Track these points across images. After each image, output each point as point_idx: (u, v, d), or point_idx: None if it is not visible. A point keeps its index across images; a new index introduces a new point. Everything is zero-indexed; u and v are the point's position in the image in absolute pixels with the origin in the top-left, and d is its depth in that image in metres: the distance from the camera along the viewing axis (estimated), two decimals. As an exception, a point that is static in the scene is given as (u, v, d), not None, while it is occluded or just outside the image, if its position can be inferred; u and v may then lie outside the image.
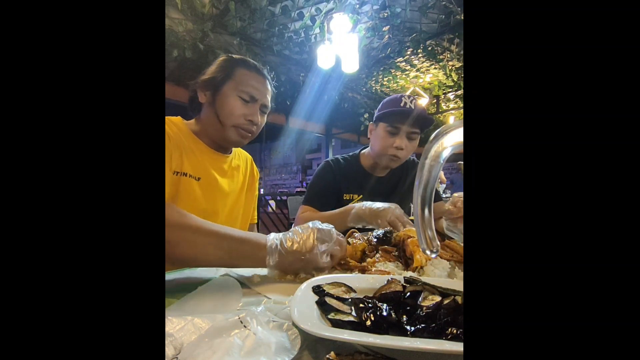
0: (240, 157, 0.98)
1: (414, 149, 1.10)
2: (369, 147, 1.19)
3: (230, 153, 0.92)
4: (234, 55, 0.87)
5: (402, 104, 1.06)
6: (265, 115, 0.88)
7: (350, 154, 1.24)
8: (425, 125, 1.09)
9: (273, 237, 0.56)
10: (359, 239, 0.67)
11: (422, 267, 0.55)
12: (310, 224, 0.58)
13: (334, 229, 0.58)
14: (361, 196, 1.13)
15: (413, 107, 1.06)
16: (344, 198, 1.14)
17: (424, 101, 4.52)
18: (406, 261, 0.58)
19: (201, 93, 0.84)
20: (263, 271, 0.60)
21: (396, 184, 1.20)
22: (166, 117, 0.83)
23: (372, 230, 0.74)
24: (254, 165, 1.04)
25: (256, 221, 1.05)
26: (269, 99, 0.86)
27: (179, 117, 0.88)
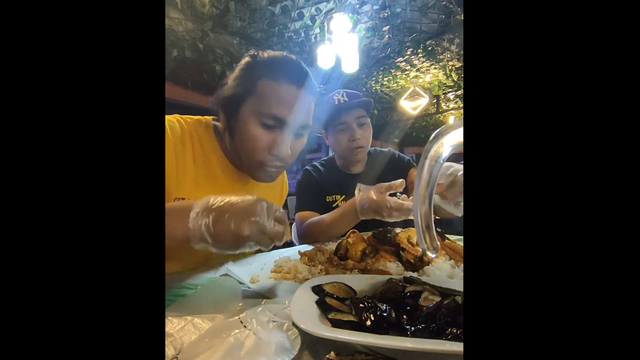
0: None
1: (369, 134, 1.15)
2: None
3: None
4: (261, 53, 0.62)
5: (336, 102, 1.12)
6: (305, 137, 0.64)
7: (325, 158, 1.29)
8: (367, 106, 1.13)
9: (204, 199, 0.42)
10: (359, 239, 0.67)
11: (421, 258, 0.56)
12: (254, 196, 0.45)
13: (275, 205, 0.45)
14: (344, 196, 1.16)
15: (347, 99, 1.12)
16: (327, 200, 1.16)
17: (423, 101, 4.52)
18: (407, 261, 0.58)
19: (221, 114, 0.64)
20: (263, 271, 0.60)
21: (374, 177, 1.20)
22: (196, 117, 0.68)
23: (372, 230, 0.74)
24: (285, 180, 0.87)
25: None
26: (309, 115, 0.61)
27: (209, 118, 0.68)
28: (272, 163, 0.61)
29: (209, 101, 0.67)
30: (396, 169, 1.22)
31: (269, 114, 0.58)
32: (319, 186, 1.17)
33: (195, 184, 0.60)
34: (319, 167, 1.24)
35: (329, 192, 1.17)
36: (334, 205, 1.15)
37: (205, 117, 0.69)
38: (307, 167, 1.25)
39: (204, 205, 0.41)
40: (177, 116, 0.66)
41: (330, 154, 1.31)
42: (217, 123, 0.68)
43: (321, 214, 1.05)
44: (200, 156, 0.62)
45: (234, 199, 0.43)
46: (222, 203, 0.42)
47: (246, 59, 0.63)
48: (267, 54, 0.62)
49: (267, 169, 0.62)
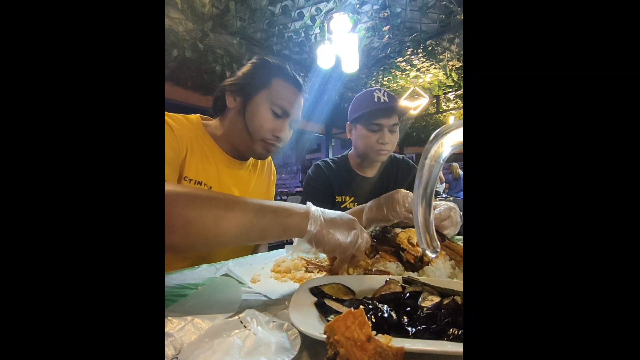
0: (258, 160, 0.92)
1: (396, 140, 1.11)
2: (352, 147, 1.18)
3: (248, 159, 0.87)
4: (271, 60, 0.79)
5: (376, 100, 1.03)
6: (292, 130, 0.83)
7: (339, 156, 1.22)
8: (403, 113, 1.09)
9: (315, 208, 0.50)
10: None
11: (421, 259, 0.56)
12: (351, 216, 0.52)
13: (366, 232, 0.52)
14: (353, 198, 1.12)
15: (387, 100, 1.04)
16: (336, 200, 1.12)
17: (423, 101, 4.52)
18: (407, 261, 0.58)
19: (230, 97, 0.77)
20: (263, 271, 0.60)
21: (387, 184, 1.18)
22: (184, 115, 0.79)
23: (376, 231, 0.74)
24: (272, 167, 0.99)
25: None
26: (300, 113, 0.81)
27: (197, 115, 0.82)
28: (272, 142, 0.77)
29: (219, 86, 0.80)
30: (409, 177, 1.18)
31: (279, 105, 0.75)
32: (329, 184, 1.12)
33: (197, 167, 0.74)
34: (331, 163, 1.17)
35: (340, 191, 1.12)
36: (342, 207, 1.10)
37: (191, 115, 0.81)
38: (318, 162, 1.18)
39: (318, 215, 0.49)
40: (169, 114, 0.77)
41: (331, 154, 1.29)
42: (206, 122, 0.82)
43: None
44: (197, 146, 0.75)
45: (337, 213, 0.51)
46: (331, 216, 0.50)
47: (255, 59, 0.80)
48: (274, 60, 0.79)
49: (267, 146, 0.77)
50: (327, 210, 0.50)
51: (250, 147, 0.77)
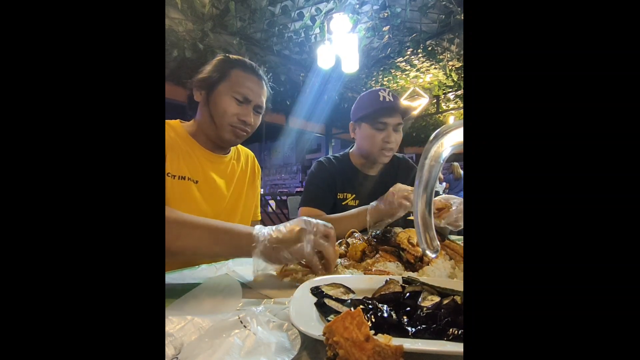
0: (240, 154, 0.98)
1: (400, 139, 1.13)
2: (355, 146, 1.19)
3: (229, 152, 0.93)
4: (230, 56, 0.87)
5: (381, 99, 1.06)
6: (261, 116, 0.89)
7: (341, 153, 1.23)
8: (407, 113, 1.11)
9: (259, 228, 0.55)
10: (359, 239, 0.67)
11: (421, 258, 0.56)
12: (301, 217, 0.57)
13: (321, 222, 0.57)
14: (354, 195, 1.13)
15: (392, 99, 1.06)
16: (338, 197, 1.13)
17: (423, 101, 4.53)
18: (407, 261, 0.58)
19: (197, 92, 0.85)
20: (264, 270, 0.60)
21: (388, 182, 1.16)
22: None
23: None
24: (256, 162, 1.04)
25: (259, 218, 1.04)
26: (264, 100, 0.87)
27: (177, 120, 0.89)
28: (239, 126, 0.83)
29: (186, 84, 0.88)
30: (409, 176, 1.19)
31: (239, 92, 0.81)
32: (332, 180, 1.13)
33: (180, 164, 0.80)
34: (333, 160, 1.19)
35: (342, 189, 1.13)
36: (343, 204, 1.12)
37: (171, 120, 0.89)
38: (320, 159, 1.20)
39: (264, 236, 0.54)
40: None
41: (331, 154, 1.28)
42: (184, 123, 0.89)
43: (327, 211, 1.03)
44: (177, 145, 0.82)
45: (286, 226, 0.55)
46: (278, 231, 0.54)
47: (219, 56, 0.87)
48: (236, 56, 0.87)
49: (235, 130, 0.83)
50: (275, 227, 0.55)
51: (219, 135, 0.83)
